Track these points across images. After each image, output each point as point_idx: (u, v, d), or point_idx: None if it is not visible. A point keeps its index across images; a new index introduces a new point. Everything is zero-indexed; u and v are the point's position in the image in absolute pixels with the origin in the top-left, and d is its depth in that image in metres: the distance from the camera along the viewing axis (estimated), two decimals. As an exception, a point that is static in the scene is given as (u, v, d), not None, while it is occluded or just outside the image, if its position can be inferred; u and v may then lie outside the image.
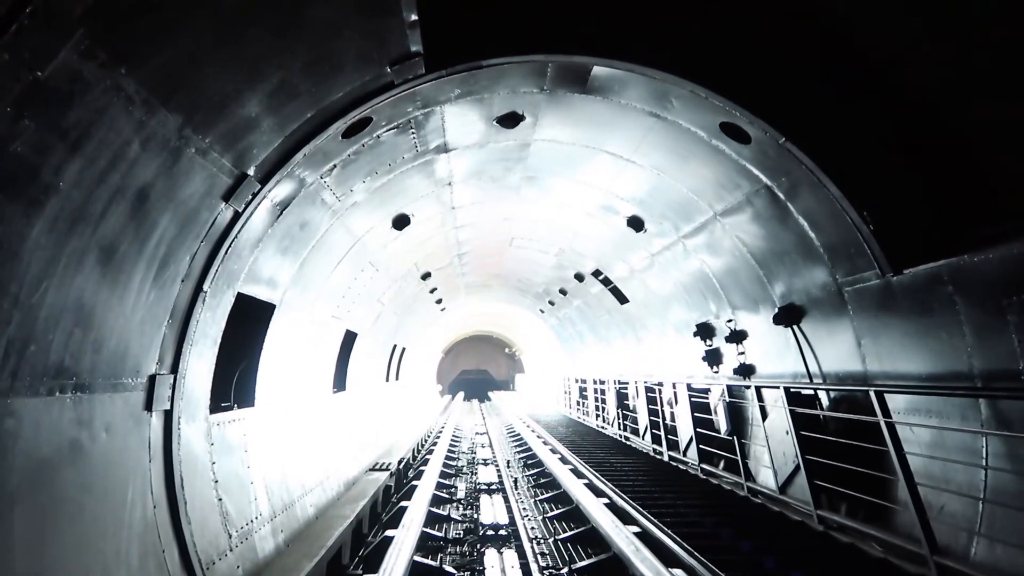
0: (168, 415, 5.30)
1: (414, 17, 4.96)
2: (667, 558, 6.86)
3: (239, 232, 5.79)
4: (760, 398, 10.00)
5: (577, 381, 27.11)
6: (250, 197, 5.63)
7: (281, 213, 6.56)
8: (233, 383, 7.47)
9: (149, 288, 4.75)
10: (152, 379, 5.01)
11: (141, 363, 4.86)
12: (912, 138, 6.05)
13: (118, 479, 4.56)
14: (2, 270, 3.19)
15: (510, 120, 8.02)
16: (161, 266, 4.83)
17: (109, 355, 4.39)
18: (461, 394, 50.76)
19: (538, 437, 18.67)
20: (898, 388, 6.76)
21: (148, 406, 4.97)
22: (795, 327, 8.71)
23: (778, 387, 8.99)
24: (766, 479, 9.85)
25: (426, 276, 15.89)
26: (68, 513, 3.98)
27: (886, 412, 6.69)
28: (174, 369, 5.34)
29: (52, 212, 3.43)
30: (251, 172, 5.40)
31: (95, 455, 4.27)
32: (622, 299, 16.21)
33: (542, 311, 25.98)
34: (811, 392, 8.67)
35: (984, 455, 5.82)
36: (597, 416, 22.89)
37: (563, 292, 20.40)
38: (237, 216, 5.63)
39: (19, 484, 3.50)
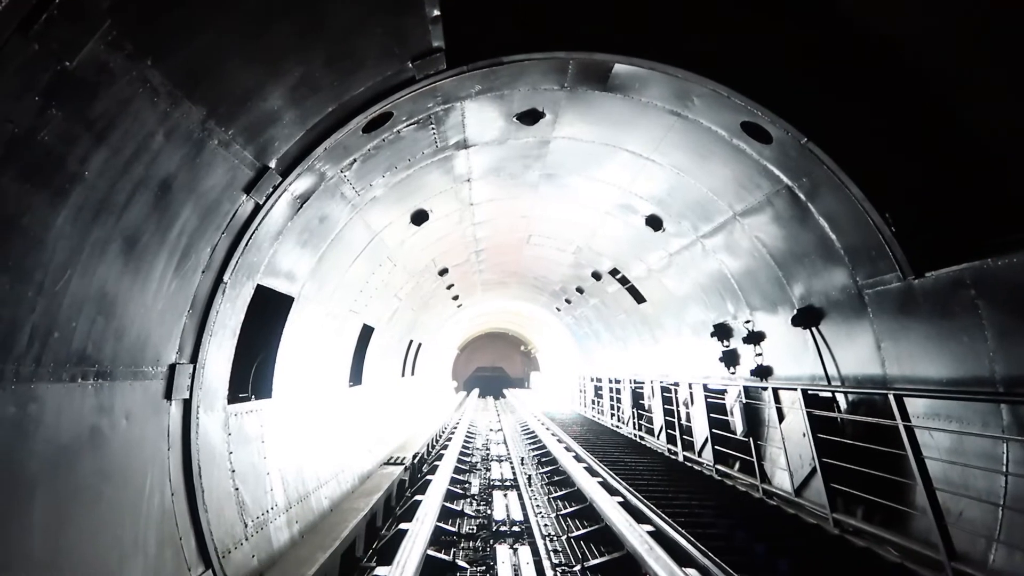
0: (187, 404, 5.35)
1: (436, 13, 4.97)
2: (681, 558, 6.85)
3: (259, 224, 5.83)
4: (777, 400, 9.95)
5: (592, 380, 27.06)
6: (271, 190, 5.67)
7: (301, 206, 6.60)
8: (251, 374, 7.53)
9: (170, 278, 4.80)
10: (172, 368, 5.06)
11: (161, 352, 4.91)
12: (937, 141, 5.98)
13: (137, 467, 4.61)
14: (28, 258, 3.24)
15: (530, 117, 8.02)
16: (182, 256, 4.88)
17: (130, 343, 4.44)
18: (476, 391, 50.84)
19: (552, 435, 18.67)
20: (918, 392, 6.69)
21: (168, 395, 5.02)
22: (814, 329, 8.65)
23: (796, 389, 8.94)
24: (781, 481, 9.79)
25: (443, 272, 15.92)
26: (87, 500, 4.03)
27: (905, 416, 6.64)
28: (194, 359, 5.39)
29: (77, 201, 3.48)
30: (272, 165, 5.44)
31: (115, 442, 4.32)
32: (639, 298, 16.16)
33: (558, 309, 25.95)
34: (829, 395, 8.61)
35: (1005, 461, 5.76)
36: (612, 415, 22.85)
37: (580, 290, 20.37)
38: (258, 208, 5.68)
39: (40, 469, 3.55)
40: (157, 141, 3.96)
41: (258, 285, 6.56)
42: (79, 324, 3.79)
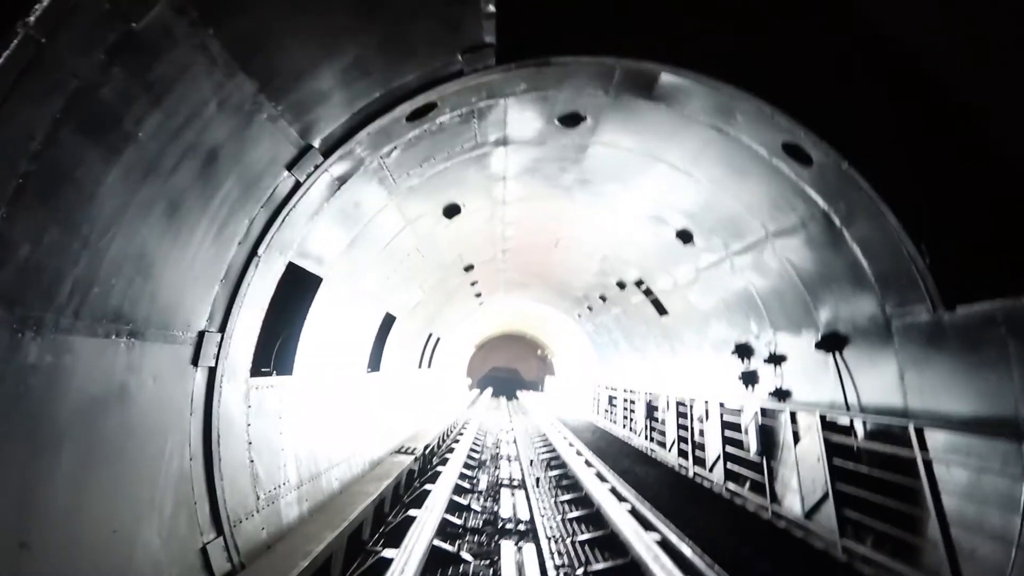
0: (212, 372, 5.44)
1: (491, 8, 5.00)
2: (687, 569, 6.83)
3: (297, 202, 5.91)
4: (794, 422, 9.87)
5: (607, 389, 26.98)
6: (312, 169, 5.74)
7: (339, 188, 6.67)
8: (274, 350, 7.63)
9: (208, 246, 4.88)
10: (201, 335, 5.14)
11: (192, 318, 5.00)
12: (978, 174, 5.91)
13: (159, 428, 4.69)
14: (77, 211, 3.32)
15: (571, 120, 8.03)
16: (221, 226, 4.96)
17: (163, 306, 4.53)
18: (489, 390, 50.89)
19: (564, 439, 18.67)
20: (940, 425, 6.62)
21: (195, 361, 5.11)
22: (837, 354, 8.58)
23: (814, 413, 8.88)
24: (792, 504, 9.72)
25: (469, 268, 15.96)
26: (110, 454, 4.11)
27: (924, 448, 6.58)
28: (222, 328, 5.48)
29: (128, 160, 3.56)
30: (316, 144, 5.51)
31: (141, 402, 4.40)
32: (662, 311, 16.10)
33: (579, 316, 25.90)
34: (847, 421, 8.54)
35: (1022, 503, 5.69)
36: (625, 426, 22.78)
37: (603, 299, 20.32)
38: (297, 186, 5.75)
39: (69, 419, 3.64)
40: (209, 110, 4.04)
41: (289, 262, 6.65)
42: (118, 282, 3.88)
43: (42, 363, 3.31)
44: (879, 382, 7.83)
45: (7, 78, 2.63)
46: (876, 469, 7.58)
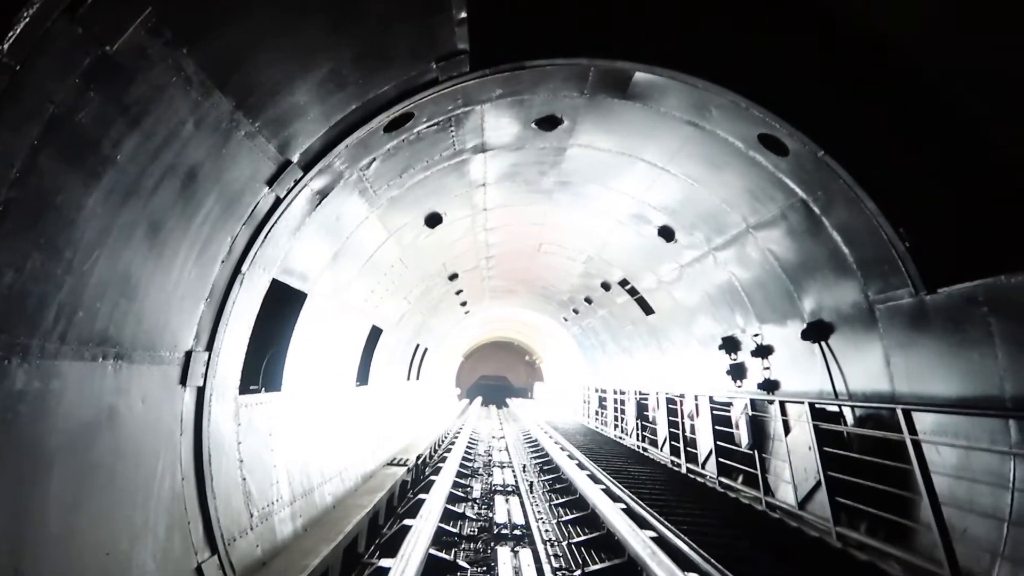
0: (201, 392, 5.42)
1: (463, 15, 5.05)
2: (683, 563, 6.87)
3: (279, 218, 5.91)
4: (784, 413, 9.95)
5: (597, 391, 27.06)
6: (292, 184, 5.75)
7: (320, 203, 6.68)
8: (262, 367, 7.61)
9: (191, 266, 4.87)
10: (188, 355, 5.13)
11: (179, 338, 4.98)
12: (953, 157, 6.00)
13: (150, 449, 4.67)
14: (59, 236, 3.31)
15: (548, 123, 8.08)
16: (204, 245, 4.95)
17: (150, 327, 4.52)
18: (479, 399, 50.82)
19: (555, 443, 18.67)
20: (926, 407, 6.71)
21: (183, 381, 5.09)
22: (823, 343, 8.67)
23: (803, 402, 8.96)
24: (785, 494, 9.79)
25: (453, 277, 15.98)
26: (102, 478, 4.09)
27: (913, 430, 6.66)
28: (209, 347, 5.46)
29: (108, 184, 3.55)
30: (295, 159, 5.52)
31: (130, 424, 4.39)
32: (648, 310, 16.18)
33: (565, 319, 25.97)
34: (836, 409, 8.63)
35: (1012, 479, 5.77)
36: (616, 426, 22.85)
37: (588, 301, 20.39)
38: (278, 202, 5.76)
39: (59, 444, 3.62)
40: (187, 129, 4.04)
41: (273, 279, 6.64)
42: (103, 305, 3.87)
43: (30, 389, 3.29)
44: (866, 368, 7.92)
45: (-17, 106, 2.63)
46: (867, 455, 7.66)
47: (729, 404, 12.24)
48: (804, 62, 6.14)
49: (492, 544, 8.30)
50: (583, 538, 8.62)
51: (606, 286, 17.41)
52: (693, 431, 14.23)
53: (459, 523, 9.45)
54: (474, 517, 9.91)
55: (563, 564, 7.54)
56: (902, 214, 6.40)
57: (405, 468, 12.17)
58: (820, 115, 6.35)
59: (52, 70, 2.87)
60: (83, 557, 3.83)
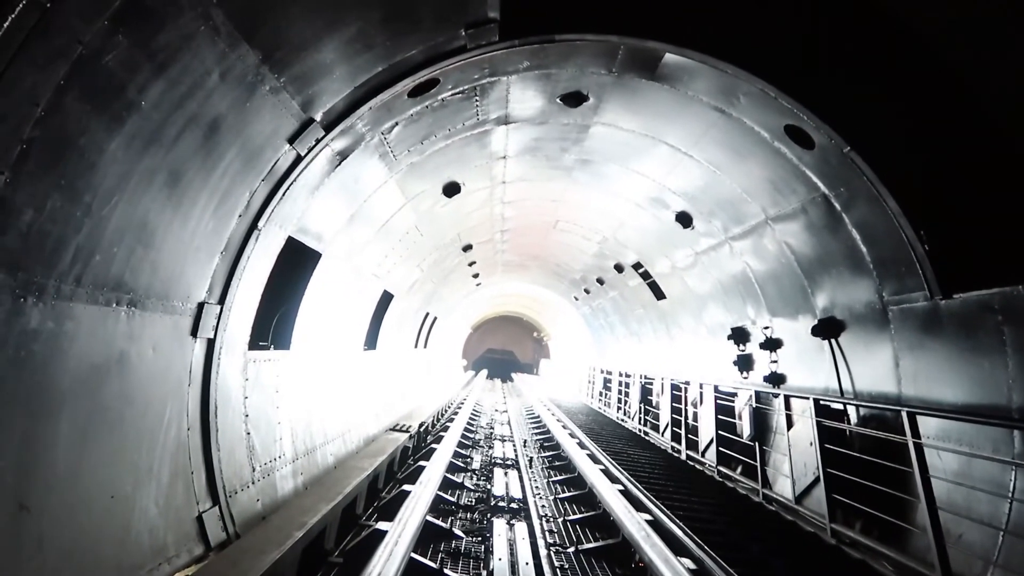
0: (211, 344, 5.46)
1: (496, -18, 4.99)
2: (677, 548, 6.89)
3: (298, 176, 5.91)
4: (788, 407, 9.94)
5: (602, 372, 27.08)
6: (313, 143, 5.73)
7: (340, 163, 6.66)
8: (272, 324, 7.64)
9: (208, 218, 4.88)
10: (200, 307, 5.16)
11: (192, 289, 5.01)
12: (981, 161, 5.91)
13: (158, 397, 4.72)
14: (80, 179, 3.32)
15: (573, 99, 8.00)
16: (222, 198, 4.96)
17: (164, 277, 4.54)
18: (484, 371, 50.97)
19: (557, 421, 18.71)
20: (932, 412, 6.68)
21: (194, 332, 5.13)
22: (832, 340, 8.63)
23: (808, 398, 8.93)
24: (783, 488, 9.81)
25: (467, 248, 15.96)
26: (109, 422, 4.14)
27: (916, 434, 6.63)
28: (221, 300, 5.49)
29: (131, 129, 3.56)
30: (318, 118, 5.50)
31: (140, 371, 4.43)
32: (659, 295, 16.13)
33: (576, 298, 25.95)
34: (840, 407, 8.60)
35: (1012, 489, 5.76)
36: (619, 409, 22.89)
37: (600, 281, 20.35)
38: (299, 160, 5.74)
39: (70, 386, 3.66)
40: (212, 80, 4.03)
41: (289, 237, 6.65)
42: (119, 251, 3.89)
43: (44, 329, 3.33)
44: (874, 368, 7.89)
45: (12, 43, 2.62)
46: (868, 455, 7.65)
47: (734, 395, 12.22)
48: (837, 57, 6.04)
49: (488, 515, 8.37)
50: (579, 516, 8.66)
51: (619, 268, 17.35)
52: (696, 419, 14.23)
53: (457, 492, 9.52)
54: (472, 488, 9.98)
55: (557, 540, 7.58)
56: (924, 216, 6.32)
57: (407, 434, 12.24)
58: (849, 111, 6.26)
59: (82, 9, 2.86)
60: (88, 497, 3.89)
